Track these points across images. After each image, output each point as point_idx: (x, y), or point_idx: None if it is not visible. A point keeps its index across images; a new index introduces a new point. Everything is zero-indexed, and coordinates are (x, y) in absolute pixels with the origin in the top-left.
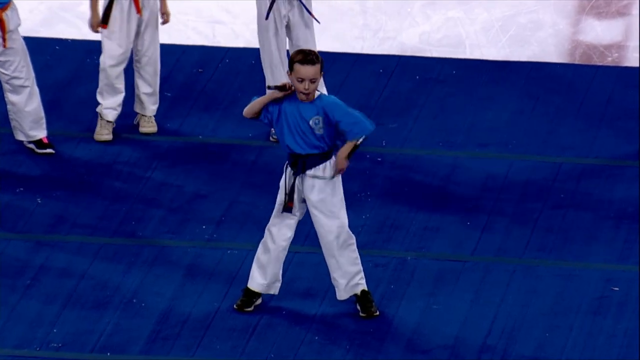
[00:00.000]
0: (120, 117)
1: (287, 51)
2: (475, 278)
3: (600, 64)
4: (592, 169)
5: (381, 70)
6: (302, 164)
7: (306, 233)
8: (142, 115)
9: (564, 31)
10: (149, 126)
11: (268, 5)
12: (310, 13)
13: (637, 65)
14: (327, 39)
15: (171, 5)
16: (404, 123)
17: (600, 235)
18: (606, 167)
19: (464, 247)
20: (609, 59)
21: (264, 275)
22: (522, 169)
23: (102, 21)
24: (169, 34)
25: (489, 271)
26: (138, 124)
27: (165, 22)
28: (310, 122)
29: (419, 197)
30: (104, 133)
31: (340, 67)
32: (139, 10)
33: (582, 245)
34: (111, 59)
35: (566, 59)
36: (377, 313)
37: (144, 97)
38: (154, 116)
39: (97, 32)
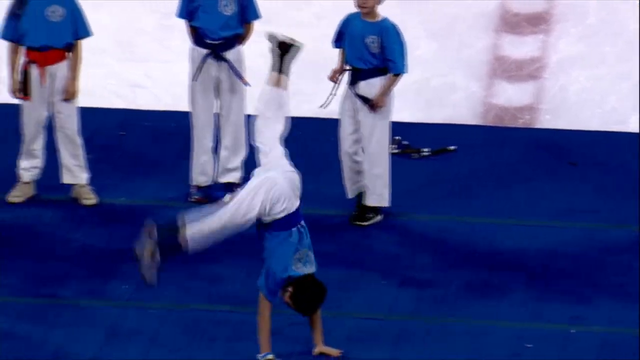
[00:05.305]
0: None
1: (217, 114)
2: None
3: (512, 125)
4: (505, 227)
5: None
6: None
7: None
8: (80, 187)
9: (476, 94)
10: (89, 198)
11: (197, 66)
12: (240, 77)
13: (549, 127)
14: None
15: (93, 73)
16: None
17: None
18: (519, 227)
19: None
20: (521, 121)
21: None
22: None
23: (23, 93)
24: (90, 97)
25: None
26: (77, 197)
27: (66, 98)
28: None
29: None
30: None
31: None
32: (44, 81)
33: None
34: (25, 126)
35: (479, 122)
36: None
37: (71, 167)
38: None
39: (17, 97)
